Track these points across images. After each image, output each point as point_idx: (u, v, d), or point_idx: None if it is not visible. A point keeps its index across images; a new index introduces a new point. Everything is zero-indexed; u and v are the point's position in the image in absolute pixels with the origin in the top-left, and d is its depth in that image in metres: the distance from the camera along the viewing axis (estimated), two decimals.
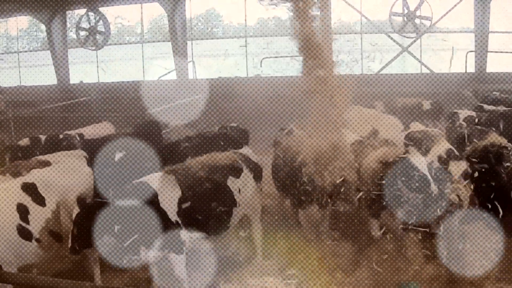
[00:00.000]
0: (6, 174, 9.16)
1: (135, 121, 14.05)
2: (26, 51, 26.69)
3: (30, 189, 7.91)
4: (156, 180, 7.83)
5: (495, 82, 15.27)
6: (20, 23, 25.65)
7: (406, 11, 16.03)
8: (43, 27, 26.46)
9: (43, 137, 11.98)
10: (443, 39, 17.41)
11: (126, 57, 23.69)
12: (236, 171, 8.56)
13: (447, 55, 17.20)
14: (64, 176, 8.37)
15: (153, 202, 7.53)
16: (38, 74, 21.65)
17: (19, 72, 22.04)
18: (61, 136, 11.90)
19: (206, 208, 8.01)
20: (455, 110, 11.57)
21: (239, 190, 8.52)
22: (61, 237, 8.03)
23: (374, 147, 9.17)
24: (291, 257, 8.95)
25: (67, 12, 19.63)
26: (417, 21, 16.15)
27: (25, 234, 7.56)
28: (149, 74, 20.88)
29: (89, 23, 18.61)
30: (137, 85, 17.27)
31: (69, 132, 12.34)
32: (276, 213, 10.40)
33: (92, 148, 10.91)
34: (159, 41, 20.48)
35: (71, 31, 20.26)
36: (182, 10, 17.90)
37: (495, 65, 16.07)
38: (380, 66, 17.15)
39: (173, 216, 7.65)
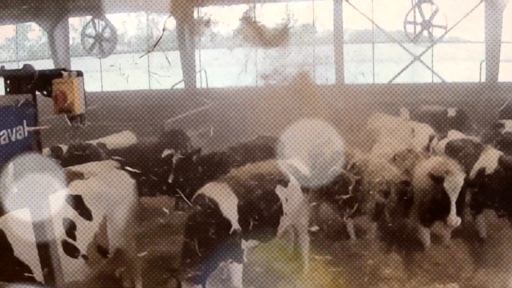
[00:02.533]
0: None
1: (153, 131, 13.82)
2: (14, 61, 26.04)
3: (76, 202, 7.33)
4: (212, 190, 7.60)
5: (506, 91, 15.39)
6: (8, 32, 25.09)
7: (421, 19, 16.08)
8: (29, 36, 25.93)
9: (64, 147, 11.55)
10: (455, 48, 17.53)
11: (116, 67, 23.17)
12: (283, 181, 8.42)
13: (458, 65, 17.35)
14: (110, 188, 7.96)
15: (215, 212, 7.27)
16: None
17: None
18: (84, 145, 11.50)
19: (258, 216, 7.83)
20: (500, 120, 11.65)
21: (286, 200, 8.36)
22: (107, 252, 7.63)
23: (426, 156, 9.12)
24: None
25: (73, 19, 19.21)
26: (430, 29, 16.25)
27: (71, 250, 7.07)
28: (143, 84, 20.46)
29: (95, 30, 18.18)
30: (147, 94, 16.94)
31: (90, 142, 11.95)
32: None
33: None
34: (169, 50, 20.04)
35: (75, 38, 19.78)
36: (191, 19, 17.60)
37: (507, 74, 16.22)
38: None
39: (235, 224, 7.46)
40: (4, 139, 3.41)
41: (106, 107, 16.80)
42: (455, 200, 8.19)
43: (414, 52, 17.26)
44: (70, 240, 7.05)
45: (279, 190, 8.25)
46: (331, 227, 9.92)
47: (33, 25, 24.43)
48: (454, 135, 10.67)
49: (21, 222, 5.91)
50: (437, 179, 8.39)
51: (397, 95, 15.75)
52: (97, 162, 10.10)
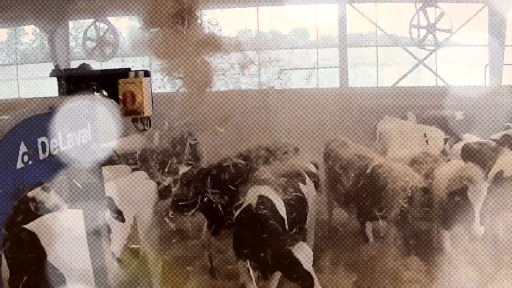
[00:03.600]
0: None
1: (161, 134, 13.62)
2: (7, 64, 25.74)
3: (108, 204, 7.23)
4: (265, 191, 7.55)
5: (511, 94, 15.41)
6: (1, 35, 24.80)
7: (426, 23, 16.09)
8: (22, 39, 25.63)
9: None
10: (458, 52, 17.54)
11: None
12: (303, 178, 8.54)
13: (462, 68, 17.35)
14: (136, 189, 7.90)
15: (276, 214, 7.28)
16: (34, 87, 20.82)
17: (18, 84, 21.14)
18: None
19: (296, 213, 7.87)
20: (509, 123, 11.68)
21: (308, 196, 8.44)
22: (139, 254, 7.55)
23: (445, 159, 9.12)
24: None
25: (74, 22, 18.97)
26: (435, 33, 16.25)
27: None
28: None
29: (97, 34, 17.90)
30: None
31: None
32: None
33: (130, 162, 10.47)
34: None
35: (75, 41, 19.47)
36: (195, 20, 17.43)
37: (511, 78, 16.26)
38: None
39: (287, 223, 7.45)
40: (70, 143, 3.26)
41: None
42: (479, 209, 8.16)
43: (417, 55, 17.27)
44: None
45: (302, 187, 8.31)
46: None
47: (26, 28, 24.19)
48: (470, 138, 10.67)
49: (59, 224, 5.78)
50: (458, 192, 8.39)
51: (401, 98, 15.77)
52: (110, 166, 9.96)
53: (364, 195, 9.02)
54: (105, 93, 4.23)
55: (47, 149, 3.12)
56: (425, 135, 11.17)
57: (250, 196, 7.39)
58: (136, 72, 4.21)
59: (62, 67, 18.41)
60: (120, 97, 4.09)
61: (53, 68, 4.39)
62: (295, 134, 13.16)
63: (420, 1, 16.08)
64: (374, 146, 11.69)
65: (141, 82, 4.10)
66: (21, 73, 23.50)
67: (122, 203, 7.39)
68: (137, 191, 7.83)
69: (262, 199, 7.26)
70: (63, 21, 18.05)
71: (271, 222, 6.91)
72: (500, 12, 15.68)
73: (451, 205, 8.56)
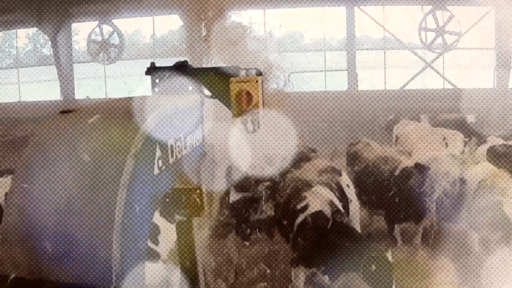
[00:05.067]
0: None
1: None
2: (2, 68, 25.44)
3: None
4: (329, 194, 7.45)
5: None
6: None
7: (435, 26, 16.17)
8: (15, 43, 25.35)
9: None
10: (465, 55, 17.63)
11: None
12: (338, 173, 8.41)
13: (469, 71, 17.46)
14: None
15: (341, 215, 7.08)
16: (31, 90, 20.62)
17: (19, 87, 20.88)
18: None
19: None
20: None
21: None
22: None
23: (475, 160, 9.15)
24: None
25: (78, 24, 18.80)
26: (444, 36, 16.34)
27: (152, 256, 6.81)
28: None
29: (102, 36, 17.69)
30: None
31: None
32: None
33: None
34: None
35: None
36: (200, 25, 17.36)
37: None
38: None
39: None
40: (190, 146, 3.10)
41: None
42: None
43: (424, 58, 17.39)
44: (153, 246, 6.77)
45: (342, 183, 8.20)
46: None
47: (20, 32, 23.92)
48: (494, 141, 10.71)
49: None
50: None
51: (410, 101, 15.85)
52: None
53: (393, 198, 9.02)
54: (207, 92, 4.06)
55: (174, 153, 3.00)
56: (444, 138, 11.23)
57: (316, 201, 7.15)
58: (247, 70, 4.05)
59: (65, 69, 18.21)
60: (233, 97, 3.90)
61: (149, 65, 4.20)
62: (308, 136, 13.15)
63: (429, 4, 16.18)
64: (392, 148, 11.71)
65: (257, 81, 3.93)
66: (12, 78, 23.26)
67: None
68: None
69: (332, 204, 7.10)
70: (66, 24, 17.83)
71: (352, 228, 6.78)
72: (507, 15, 15.80)
73: (480, 207, 8.61)
